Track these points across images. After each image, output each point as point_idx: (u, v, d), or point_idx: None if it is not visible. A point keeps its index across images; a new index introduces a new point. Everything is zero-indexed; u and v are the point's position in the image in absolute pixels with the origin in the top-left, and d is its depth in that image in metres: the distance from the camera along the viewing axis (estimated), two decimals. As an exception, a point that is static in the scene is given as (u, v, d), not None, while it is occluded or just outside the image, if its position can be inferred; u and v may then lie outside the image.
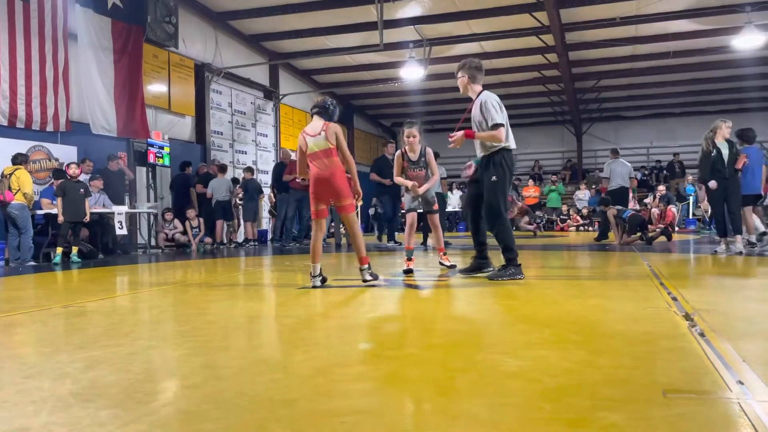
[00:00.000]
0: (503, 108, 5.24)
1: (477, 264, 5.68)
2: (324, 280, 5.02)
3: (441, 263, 6.28)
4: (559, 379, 2.15)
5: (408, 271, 5.97)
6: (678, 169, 20.27)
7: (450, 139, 5.26)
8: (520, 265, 5.30)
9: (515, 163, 5.51)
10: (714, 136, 7.92)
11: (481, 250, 5.64)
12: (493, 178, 5.21)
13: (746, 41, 13.80)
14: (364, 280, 5.01)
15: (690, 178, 18.83)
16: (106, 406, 1.93)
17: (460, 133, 5.22)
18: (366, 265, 5.04)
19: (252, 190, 12.60)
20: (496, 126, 5.10)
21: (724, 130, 7.91)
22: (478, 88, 5.37)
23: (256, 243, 12.72)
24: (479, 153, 5.43)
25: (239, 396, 2.02)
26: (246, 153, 15.40)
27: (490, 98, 5.20)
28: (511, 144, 5.32)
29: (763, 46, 14.19)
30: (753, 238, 8.60)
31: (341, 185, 4.89)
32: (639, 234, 10.08)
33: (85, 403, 1.96)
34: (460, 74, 5.39)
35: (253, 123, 15.80)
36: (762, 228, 9.12)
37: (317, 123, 4.96)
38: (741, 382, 2.04)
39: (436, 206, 6.47)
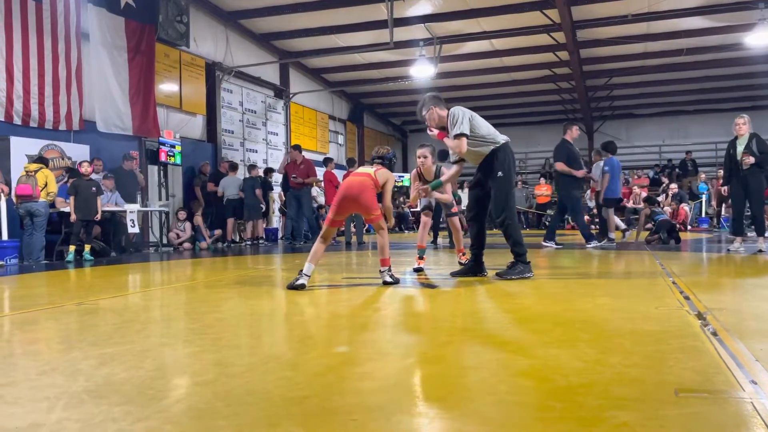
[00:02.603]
0: (474, 116, 5.21)
1: (470, 268, 5.54)
2: (302, 286, 4.71)
3: (460, 263, 6.27)
4: (570, 378, 2.14)
5: (418, 270, 5.99)
6: (690, 168, 20.13)
7: (429, 132, 5.46)
8: (529, 262, 5.25)
9: (512, 154, 5.41)
10: (737, 137, 7.84)
11: (478, 254, 5.50)
12: (499, 173, 5.19)
13: (759, 38, 13.66)
14: (384, 282, 5.00)
15: (703, 176, 18.67)
16: (118, 403, 1.94)
17: (436, 131, 5.37)
18: (386, 267, 5.05)
19: (249, 188, 12.59)
20: (457, 136, 5.11)
21: (740, 126, 7.82)
22: (444, 111, 5.33)
23: (262, 240, 12.72)
24: (475, 161, 5.38)
25: (250, 393, 2.03)
26: (257, 152, 15.45)
27: (457, 110, 5.19)
28: (501, 138, 5.29)
29: (777, 43, 14.05)
30: (612, 236, 9.94)
31: (369, 201, 5.01)
32: (658, 235, 10.06)
33: (97, 400, 1.98)
34: (424, 112, 5.35)
35: (264, 122, 15.85)
36: (623, 226, 10.31)
37: (376, 166, 5.28)
38: (754, 382, 2.03)
39: (455, 209, 6.62)
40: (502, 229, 5.33)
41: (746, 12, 13.24)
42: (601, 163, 10.59)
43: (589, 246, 9.20)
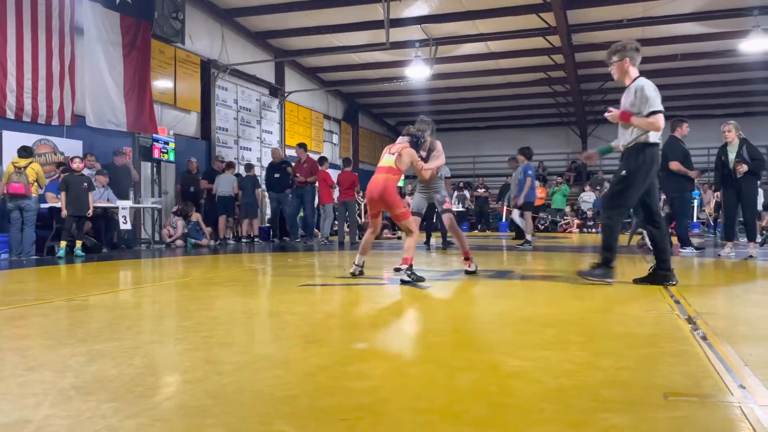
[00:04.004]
0: (659, 97, 4.74)
1: (656, 275, 4.87)
2: (361, 273, 5.50)
3: (467, 271, 5.89)
4: (561, 380, 2.15)
5: (398, 270, 5.92)
6: (683, 173, 20.18)
7: (606, 114, 4.93)
8: (613, 267, 4.86)
9: (656, 159, 4.83)
10: (727, 144, 7.85)
11: (662, 259, 4.83)
12: (623, 172, 4.76)
13: (753, 45, 13.74)
14: (401, 281, 5.07)
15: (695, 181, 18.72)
16: (107, 400, 1.93)
17: (618, 111, 4.82)
18: (406, 265, 5.08)
19: (248, 186, 12.61)
20: (654, 113, 4.63)
21: (726, 134, 7.86)
22: (635, 73, 4.86)
23: (256, 239, 12.71)
24: (622, 144, 4.89)
25: (240, 392, 2.02)
26: (251, 150, 15.41)
27: (649, 84, 4.71)
28: (656, 138, 4.78)
29: (771, 50, 14.14)
30: (529, 237, 10.30)
31: (391, 199, 5.24)
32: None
33: (86, 396, 1.97)
34: (615, 58, 4.87)
35: (258, 120, 15.81)
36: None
37: (400, 145, 5.41)
38: (743, 386, 2.04)
39: (447, 205, 6.11)
40: (602, 230, 4.97)
41: (741, 19, 13.31)
42: (521, 168, 10.59)
43: (682, 251, 8.66)
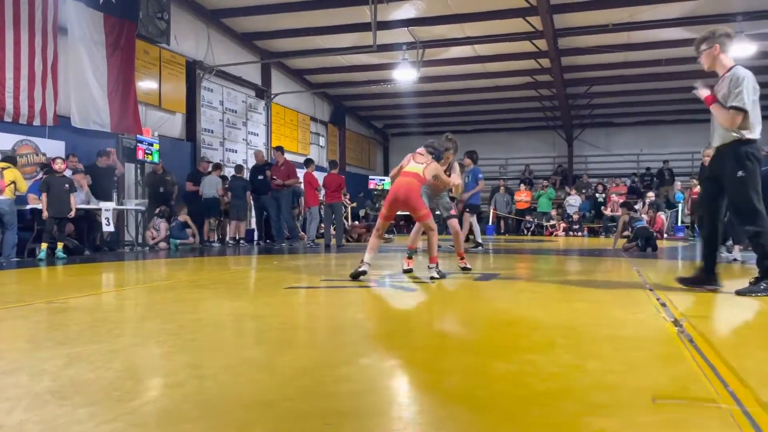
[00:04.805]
0: (757, 92, 4.31)
1: (703, 277, 4.67)
2: (364, 273, 5.45)
3: (462, 267, 6.37)
4: (548, 384, 2.13)
5: (408, 271, 5.98)
6: (667, 177, 20.37)
7: (697, 84, 4.62)
8: None
9: (760, 156, 4.45)
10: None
11: (710, 261, 4.62)
12: (740, 172, 4.27)
13: (738, 50, 13.88)
14: (431, 277, 5.48)
15: (679, 185, 18.90)
16: (83, 404, 1.88)
17: (705, 92, 4.51)
18: (434, 264, 5.56)
19: (239, 188, 12.56)
20: (735, 109, 4.21)
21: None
22: (729, 61, 4.46)
23: (241, 241, 12.63)
24: (715, 142, 4.51)
25: (221, 396, 1.98)
26: (236, 152, 15.31)
27: (748, 76, 4.27)
28: (755, 134, 4.34)
29: (755, 56, 14.28)
30: (479, 240, 10.71)
31: (415, 202, 5.56)
32: (635, 242, 10.16)
33: (62, 401, 1.91)
34: (704, 46, 4.50)
35: (245, 122, 15.72)
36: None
37: (427, 157, 5.75)
38: (730, 389, 2.03)
39: (453, 211, 6.86)
40: (750, 238, 4.49)
41: (725, 24, 13.42)
42: (468, 171, 10.63)
43: None
